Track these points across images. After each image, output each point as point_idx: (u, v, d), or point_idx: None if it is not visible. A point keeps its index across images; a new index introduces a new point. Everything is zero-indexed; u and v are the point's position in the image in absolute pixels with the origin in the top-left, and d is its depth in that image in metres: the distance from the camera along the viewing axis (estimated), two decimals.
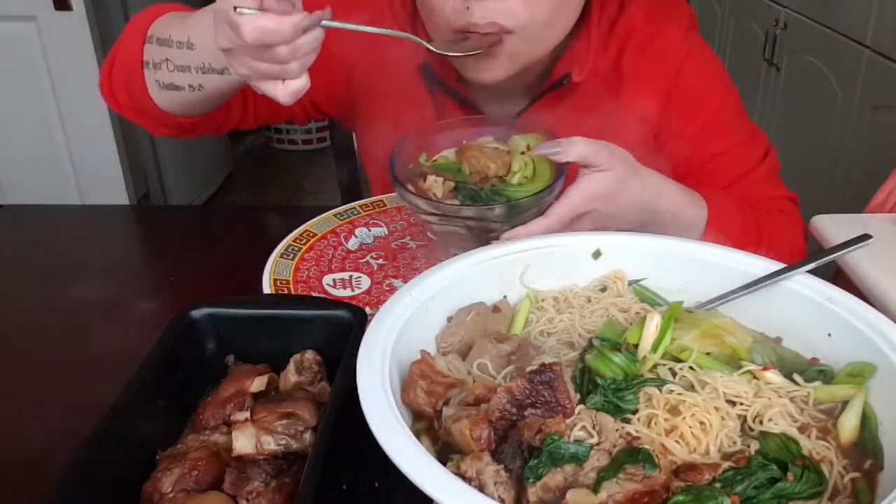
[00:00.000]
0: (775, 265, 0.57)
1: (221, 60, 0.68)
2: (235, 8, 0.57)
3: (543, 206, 0.68)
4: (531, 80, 0.86)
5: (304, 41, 0.60)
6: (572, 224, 0.68)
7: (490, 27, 0.73)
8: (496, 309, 0.57)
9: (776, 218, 0.85)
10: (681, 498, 0.40)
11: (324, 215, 0.90)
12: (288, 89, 0.63)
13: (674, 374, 0.48)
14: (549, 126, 0.80)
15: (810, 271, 0.55)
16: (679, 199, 0.75)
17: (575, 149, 0.67)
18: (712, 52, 0.92)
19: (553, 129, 0.77)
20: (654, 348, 0.49)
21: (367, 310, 0.58)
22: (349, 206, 0.93)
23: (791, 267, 0.56)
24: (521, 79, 0.84)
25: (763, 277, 0.56)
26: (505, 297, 0.59)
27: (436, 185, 0.71)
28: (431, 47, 0.74)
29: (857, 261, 0.62)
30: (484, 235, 0.69)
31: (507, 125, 0.81)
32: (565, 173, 0.70)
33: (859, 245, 0.57)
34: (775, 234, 0.82)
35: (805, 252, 0.85)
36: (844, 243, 0.58)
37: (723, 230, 0.76)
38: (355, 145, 1.24)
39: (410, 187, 0.71)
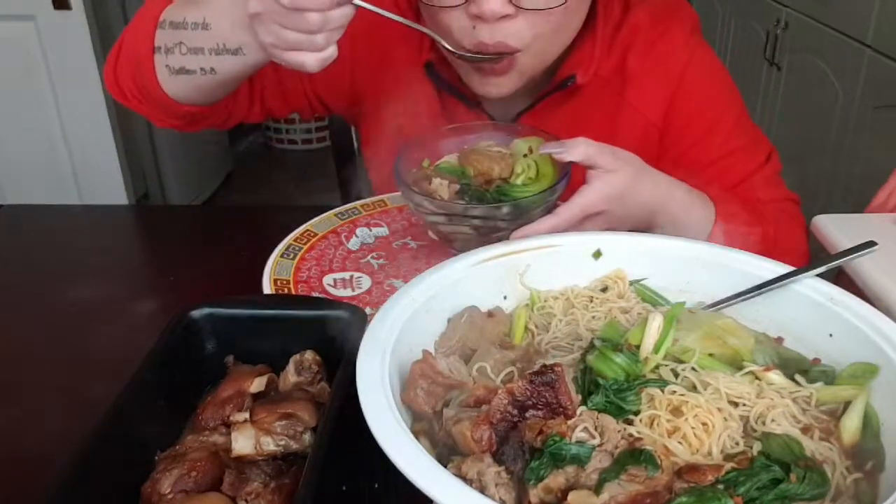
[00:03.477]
0: (779, 267, 0.57)
1: (236, 40, 0.70)
2: None
3: (549, 205, 0.69)
4: (536, 82, 0.87)
5: (336, 14, 0.61)
6: (583, 224, 0.68)
7: (498, 47, 0.74)
8: (490, 314, 0.57)
9: (781, 219, 0.85)
10: (683, 499, 0.40)
11: (324, 215, 0.90)
12: (315, 56, 0.64)
13: (676, 375, 0.48)
14: (552, 127, 0.80)
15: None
16: (687, 200, 0.75)
17: (578, 149, 0.67)
18: (715, 55, 0.93)
19: (557, 131, 0.77)
20: (656, 349, 0.49)
21: (368, 310, 0.58)
22: (350, 205, 0.93)
23: (798, 271, 0.56)
24: (524, 87, 0.84)
25: (770, 281, 0.56)
26: (505, 297, 0.59)
27: (441, 188, 0.72)
28: (449, 47, 0.75)
29: (859, 261, 0.62)
30: (490, 235, 0.69)
31: (508, 130, 0.82)
32: (569, 174, 0.70)
33: (865, 252, 0.57)
34: (781, 236, 0.82)
35: (808, 252, 0.86)
36: (850, 249, 0.58)
37: (729, 232, 0.76)
38: (355, 144, 1.24)
39: (416, 189, 0.71)
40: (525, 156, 0.76)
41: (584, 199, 0.67)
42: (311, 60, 0.64)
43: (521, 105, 0.89)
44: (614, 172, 0.67)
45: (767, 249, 0.73)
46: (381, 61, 0.91)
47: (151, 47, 0.77)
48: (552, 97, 0.87)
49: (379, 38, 0.90)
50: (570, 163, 0.69)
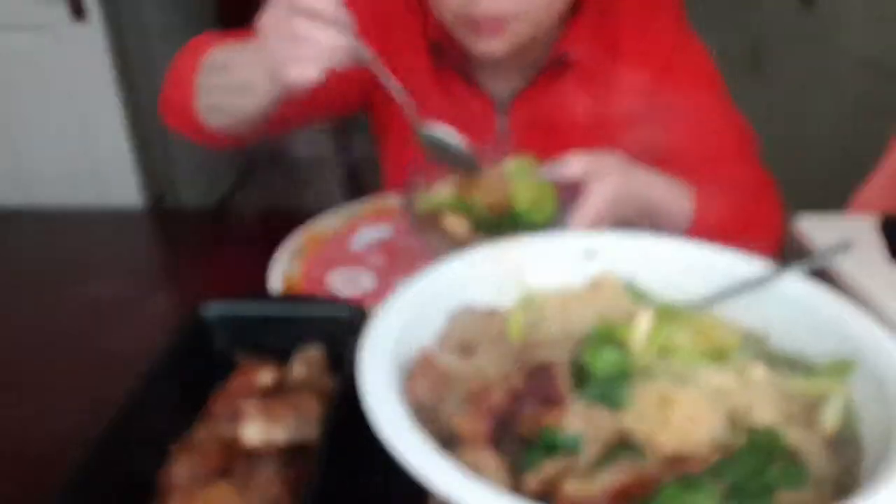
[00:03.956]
0: (763, 267, 0.59)
1: (244, 77, 0.75)
2: None
3: (561, 224, 0.71)
4: (531, 60, 0.92)
5: (327, 32, 0.66)
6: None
7: (494, 21, 0.79)
8: (488, 312, 0.58)
9: (759, 202, 0.88)
10: (671, 488, 0.42)
11: (329, 215, 0.92)
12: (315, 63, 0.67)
13: (665, 370, 0.50)
14: (548, 105, 0.87)
15: (795, 270, 0.57)
16: (668, 192, 0.78)
17: (575, 165, 0.71)
18: (699, 39, 0.97)
19: (551, 109, 0.81)
20: (646, 345, 0.51)
21: (371, 308, 0.60)
22: (354, 206, 0.95)
23: (779, 271, 0.57)
24: (521, 59, 0.90)
25: (754, 280, 0.58)
26: (502, 296, 0.61)
27: (458, 225, 0.73)
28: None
29: (840, 260, 0.64)
30: None
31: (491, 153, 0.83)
32: (572, 191, 0.73)
33: (841, 250, 0.59)
34: (759, 220, 0.86)
35: (782, 233, 0.89)
36: (829, 248, 0.60)
37: (708, 221, 0.79)
38: (358, 148, 1.26)
39: (430, 228, 0.74)
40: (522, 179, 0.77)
41: (587, 211, 0.69)
42: (313, 68, 0.67)
43: (517, 83, 0.94)
44: (609, 176, 0.70)
45: (741, 230, 0.77)
46: (383, 40, 0.94)
47: (192, 90, 0.84)
48: (546, 75, 0.92)
49: (381, 17, 0.93)
50: (569, 187, 0.72)
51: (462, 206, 0.76)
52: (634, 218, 0.73)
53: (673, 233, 0.78)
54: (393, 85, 0.73)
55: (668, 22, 0.93)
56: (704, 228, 0.78)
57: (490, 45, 0.83)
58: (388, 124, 1.03)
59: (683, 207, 0.79)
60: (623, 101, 0.91)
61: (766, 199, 0.90)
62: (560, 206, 0.72)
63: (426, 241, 0.75)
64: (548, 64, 0.91)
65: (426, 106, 0.89)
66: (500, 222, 0.73)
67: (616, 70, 0.91)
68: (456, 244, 0.71)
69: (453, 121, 0.94)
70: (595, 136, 0.90)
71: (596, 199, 0.69)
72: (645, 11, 0.93)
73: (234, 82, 0.77)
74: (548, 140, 0.90)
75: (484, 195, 0.76)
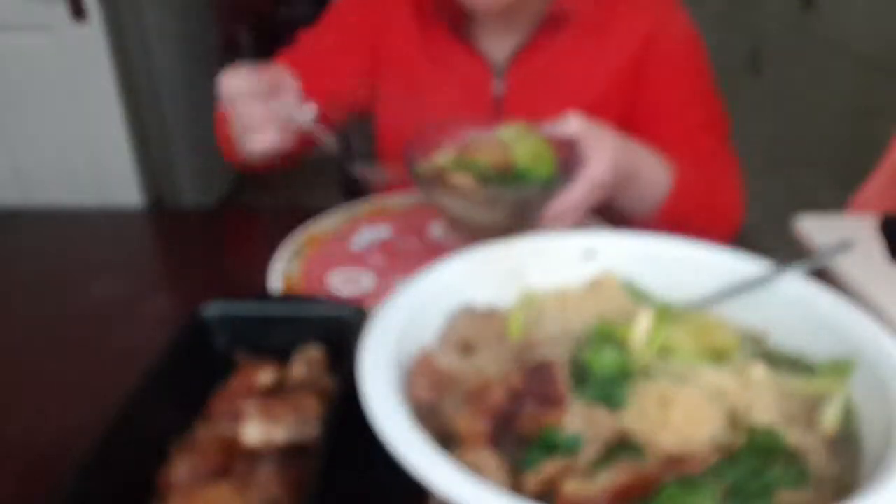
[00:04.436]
0: (762, 267, 0.59)
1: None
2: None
3: (563, 178, 0.72)
4: (526, 18, 0.94)
5: (256, 108, 0.73)
6: (593, 194, 0.71)
7: None
8: (488, 312, 0.59)
9: (721, 174, 0.91)
10: (671, 488, 0.42)
11: (328, 215, 0.92)
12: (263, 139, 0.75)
13: (664, 370, 0.50)
14: (543, 62, 0.90)
15: (795, 270, 0.58)
16: (651, 163, 0.79)
17: (573, 124, 0.72)
18: (687, 15, 0.99)
19: (547, 67, 0.83)
20: (646, 345, 0.51)
21: (371, 308, 0.60)
22: (353, 206, 0.95)
23: (779, 271, 0.58)
24: (517, 16, 0.92)
25: (752, 281, 0.58)
26: (502, 295, 0.61)
27: (464, 180, 0.73)
28: None
29: (839, 260, 0.64)
30: (524, 217, 0.72)
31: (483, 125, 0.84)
32: (573, 151, 0.73)
33: (842, 250, 0.59)
34: (719, 191, 0.89)
35: (741, 213, 0.92)
36: (829, 249, 0.60)
37: (682, 193, 0.81)
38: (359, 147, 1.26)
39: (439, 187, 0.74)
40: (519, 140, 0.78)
41: (593, 171, 0.70)
42: (262, 139, 0.74)
43: (512, 44, 0.95)
44: (604, 142, 0.70)
45: (706, 204, 0.82)
46: (371, 10, 0.99)
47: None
48: (542, 33, 0.93)
49: None
50: (566, 144, 0.72)
51: (465, 165, 0.76)
52: (618, 188, 0.74)
53: (649, 203, 0.80)
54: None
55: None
56: (678, 200, 0.80)
57: (480, 2, 0.86)
58: (381, 96, 1.04)
59: (662, 179, 0.80)
60: (615, 59, 0.93)
61: (733, 179, 0.92)
62: (559, 161, 0.72)
63: (433, 200, 0.75)
64: (545, 20, 0.93)
65: (421, 75, 0.90)
66: (503, 177, 0.73)
67: (610, 29, 0.93)
68: (463, 198, 0.71)
69: (449, 87, 0.95)
70: (589, 95, 0.92)
71: (599, 163, 0.70)
72: None
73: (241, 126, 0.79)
74: (546, 102, 0.91)
75: (485, 156, 0.76)
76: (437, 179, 0.74)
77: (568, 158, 0.72)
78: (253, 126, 0.74)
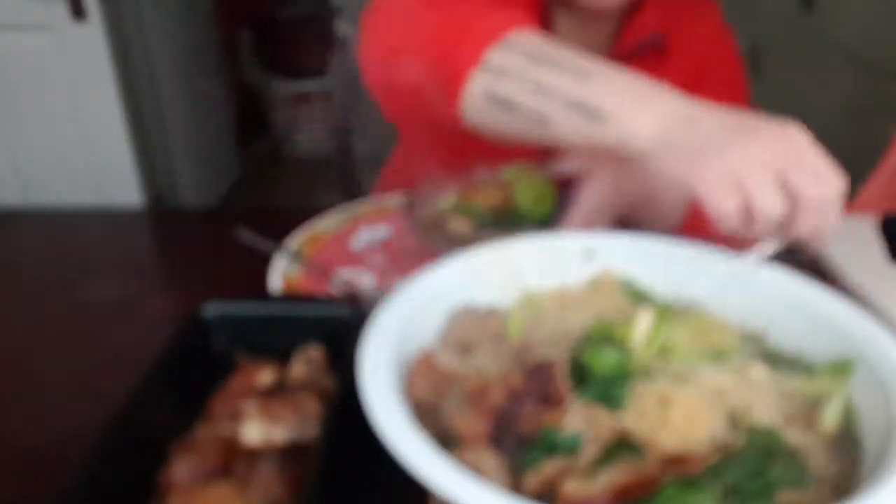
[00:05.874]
0: (762, 266, 0.59)
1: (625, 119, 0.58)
2: None
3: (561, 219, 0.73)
4: (602, 39, 0.90)
5: None
6: (591, 223, 0.71)
7: None
8: (487, 312, 0.59)
9: None
10: (671, 488, 0.42)
11: (328, 215, 0.92)
12: None
13: (664, 370, 0.50)
14: None
15: (795, 269, 0.57)
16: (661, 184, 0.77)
17: (572, 161, 0.72)
18: (732, 35, 0.98)
19: None
20: (646, 344, 0.51)
21: (371, 308, 0.60)
22: (353, 206, 0.95)
23: (779, 270, 0.58)
24: (596, 35, 0.89)
25: (751, 280, 0.58)
26: (501, 295, 0.61)
27: (461, 225, 0.75)
28: None
29: (841, 260, 0.64)
30: None
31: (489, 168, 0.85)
32: (572, 189, 0.74)
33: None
34: None
35: None
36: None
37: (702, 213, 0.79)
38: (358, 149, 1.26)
39: (436, 232, 0.75)
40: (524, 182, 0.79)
41: (585, 205, 0.70)
42: None
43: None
44: (602, 171, 0.70)
45: None
46: None
47: (474, 61, 0.65)
48: (632, 59, 0.88)
49: None
50: (568, 181, 0.73)
51: (465, 209, 0.77)
52: (630, 211, 0.74)
53: (669, 222, 0.79)
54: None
55: (714, 12, 0.94)
56: (700, 219, 0.78)
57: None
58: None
59: (678, 198, 0.78)
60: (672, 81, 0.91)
61: None
62: (560, 203, 0.73)
63: (429, 243, 0.76)
64: (635, 44, 0.88)
65: None
66: (502, 220, 0.74)
67: (668, 57, 0.90)
68: (459, 244, 0.71)
69: None
70: None
71: (590, 197, 0.69)
72: (695, 5, 0.93)
73: (588, 102, 0.59)
74: None
75: (486, 198, 0.77)
76: (435, 226, 0.75)
77: (570, 197, 0.73)
78: None
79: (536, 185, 0.77)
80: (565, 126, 0.61)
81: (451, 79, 0.66)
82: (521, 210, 0.75)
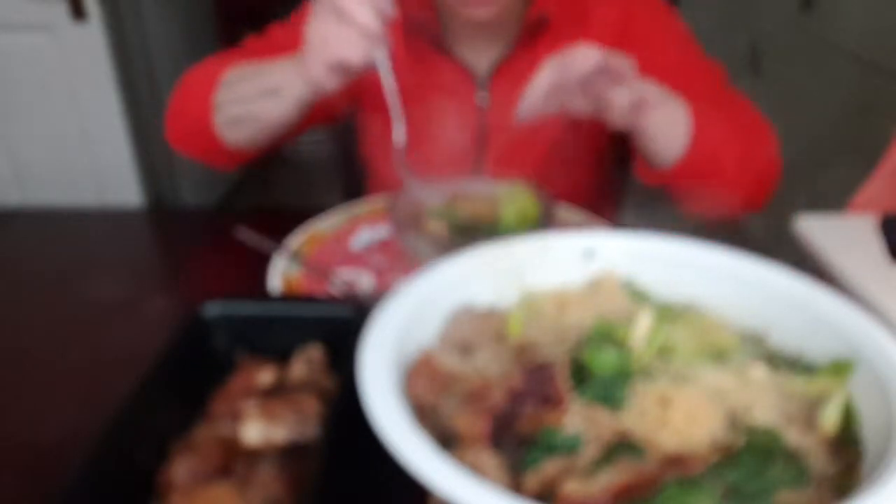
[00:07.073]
0: (761, 266, 0.59)
1: (276, 81, 0.81)
2: None
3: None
4: (507, 29, 0.95)
5: (368, 14, 0.71)
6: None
7: None
8: (487, 312, 0.59)
9: (759, 127, 0.88)
10: (671, 488, 0.42)
11: (328, 216, 0.92)
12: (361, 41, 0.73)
13: (664, 370, 0.50)
14: (527, 73, 0.85)
15: (795, 270, 0.57)
16: (665, 96, 0.78)
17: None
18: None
19: (530, 75, 0.83)
20: (646, 344, 0.51)
21: (371, 308, 0.60)
22: (353, 206, 0.95)
23: (779, 270, 0.58)
24: (499, 27, 0.94)
25: (751, 280, 0.58)
26: (501, 295, 0.61)
27: (439, 228, 0.77)
28: None
29: (841, 261, 0.64)
30: None
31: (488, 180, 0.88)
32: (552, 215, 0.77)
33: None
34: (760, 144, 0.86)
35: (780, 168, 0.89)
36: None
37: (708, 135, 0.79)
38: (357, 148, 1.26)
39: (413, 230, 0.77)
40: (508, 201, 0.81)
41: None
42: (357, 48, 0.73)
43: (494, 55, 0.97)
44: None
45: (748, 148, 0.80)
46: None
47: (208, 107, 0.87)
48: (521, 42, 0.94)
49: None
50: (551, 206, 0.77)
51: (447, 214, 0.79)
52: (635, 114, 0.74)
53: (675, 138, 0.79)
54: (391, 90, 0.78)
55: None
56: (705, 143, 0.78)
57: (479, 11, 0.87)
58: (374, 121, 1.04)
59: (680, 116, 0.79)
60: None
61: (763, 126, 0.89)
62: (541, 226, 0.75)
63: (406, 241, 0.77)
64: (525, 28, 0.94)
65: (404, 86, 0.90)
66: (479, 230, 0.76)
67: (584, 23, 0.94)
68: (433, 245, 0.74)
69: (433, 99, 0.96)
70: None
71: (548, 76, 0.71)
72: None
73: (266, 86, 0.82)
74: None
75: (470, 207, 0.80)
76: (414, 224, 0.77)
77: (550, 223, 0.76)
78: (349, 35, 0.72)
79: (523, 204, 0.78)
80: (271, 111, 0.83)
81: (207, 125, 0.88)
82: (503, 225, 0.77)
